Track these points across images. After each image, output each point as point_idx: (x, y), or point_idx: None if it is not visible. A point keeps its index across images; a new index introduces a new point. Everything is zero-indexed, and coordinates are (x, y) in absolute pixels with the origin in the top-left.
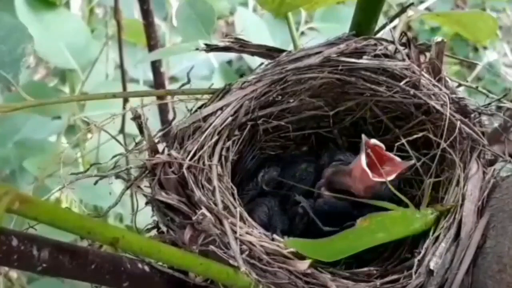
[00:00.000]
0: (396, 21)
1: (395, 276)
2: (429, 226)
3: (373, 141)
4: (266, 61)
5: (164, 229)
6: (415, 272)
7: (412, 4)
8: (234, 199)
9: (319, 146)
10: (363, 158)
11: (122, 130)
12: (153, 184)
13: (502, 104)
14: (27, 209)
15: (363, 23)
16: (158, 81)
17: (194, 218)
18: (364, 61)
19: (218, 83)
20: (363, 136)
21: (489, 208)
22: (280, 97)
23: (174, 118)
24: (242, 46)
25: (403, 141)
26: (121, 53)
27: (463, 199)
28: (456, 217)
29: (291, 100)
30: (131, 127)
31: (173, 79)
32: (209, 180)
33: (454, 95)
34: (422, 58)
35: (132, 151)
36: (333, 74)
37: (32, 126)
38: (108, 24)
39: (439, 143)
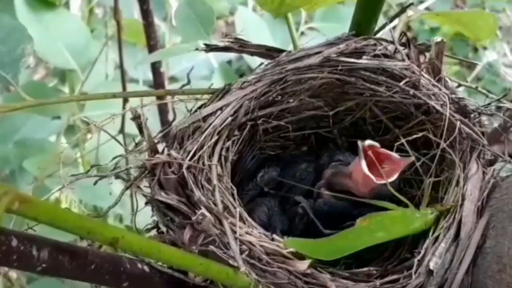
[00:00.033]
0: (395, 21)
1: (395, 276)
2: (428, 225)
3: (368, 142)
4: (266, 61)
5: (163, 229)
6: (415, 272)
7: (412, 4)
8: (234, 199)
9: (319, 146)
10: (363, 164)
11: (122, 130)
12: (152, 184)
13: (501, 104)
14: (26, 209)
15: (363, 23)
16: (157, 81)
17: (193, 218)
18: (364, 61)
19: (218, 83)
20: (359, 142)
21: (488, 208)
22: (280, 97)
23: (174, 118)
24: (241, 46)
25: (403, 141)
26: (120, 53)
27: (463, 199)
28: (456, 217)
29: (291, 100)
30: (131, 127)
31: (172, 79)
32: (209, 180)
33: (453, 95)
34: (421, 58)
35: (132, 151)
36: (333, 74)
37: (31, 126)
38: (107, 24)
39: (438, 143)
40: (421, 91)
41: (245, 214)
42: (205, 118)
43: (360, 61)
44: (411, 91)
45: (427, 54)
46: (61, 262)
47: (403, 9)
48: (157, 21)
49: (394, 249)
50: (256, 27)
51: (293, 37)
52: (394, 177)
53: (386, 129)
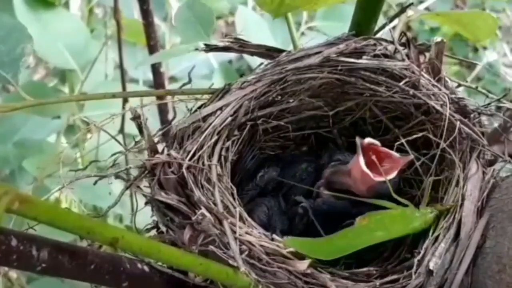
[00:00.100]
0: (395, 21)
1: (394, 276)
2: (428, 225)
3: (367, 140)
4: (265, 61)
5: (163, 229)
6: (415, 272)
7: (411, 4)
8: (234, 199)
9: (319, 146)
10: (361, 160)
11: (121, 130)
12: (152, 184)
13: (501, 104)
14: (26, 209)
15: (363, 23)
16: (157, 81)
17: (193, 218)
18: (364, 61)
19: (218, 82)
20: (357, 138)
21: (488, 208)
22: (279, 97)
23: (174, 118)
24: (241, 46)
25: (403, 141)
26: (120, 53)
27: (462, 199)
28: (456, 217)
29: (291, 100)
30: (131, 127)
31: (172, 79)
32: (209, 180)
33: (453, 95)
34: (421, 58)
35: (131, 149)
36: (333, 74)
37: (31, 126)
38: (107, 24)
39: (438, 143)
40: (421, 91)
41: (245, 214)
42: (205, 118)
43: (360, 61)
44: (411, 91)
45: (427, 54)
46: (61, 262)
47: (403, 9)
48: (157, 21)
49: (394, 249)
50: (256, 27)
51: (293, 37)
52: (392, 175)
53: (386, 129)
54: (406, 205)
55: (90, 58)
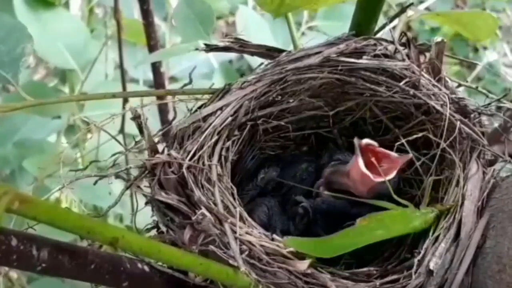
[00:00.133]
0: (396, 21)
1: (394, 276)
2: (428, 224)
3: (365, 141)
4: (266, 61)
5: (163, 229)
6: (415, 272)
7: (412, 4)
8: (234, 199)
9: (319, 146)
10: (360, 161)
11: (122, 130)
12: (152, 184)
13: (502, 104)
14: (26, 209)
15: (363, 23)
16: (158, 81)
17: (193, 218)
18: (364, 61)
19: (218, 82)
20: (356, 140)
21: (488, 208)
22: (280, 97)
23: (174, 118)
24: (242, 46)
25: (403, 141)
26: (120, 53)
27: (463, 199)
28: (456, 217)
29: (291, 100)
30: (131, 127)
31: (173, 79)
32: (209, 180)
33: (454, 95)
34: (422, 58)
35: (131, 149)
36: (333, 74)
37: (31, 126)
38: (107, 24)
39: (439, 143)
40: (421, 91)
41: (245, 214)
42: (205, 118)
43: (360, 61)
44: (411, 91)
45: (427, 54)
46: (61, 262)
47: (403, 9)
48: (157, 21)
49: (394, 249)
50: (257, 27)
51: (293, 37)
52: (392, 175)
53: (386, 129)
54: (406, 206)
55: (90, 58)
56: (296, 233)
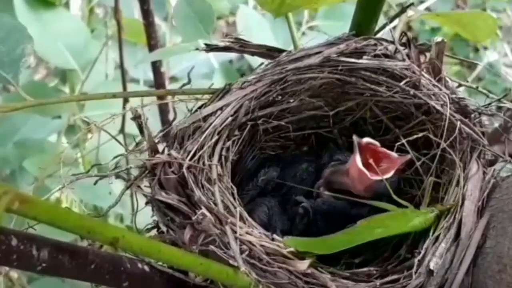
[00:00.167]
0: (396, 21)
1: (395, 276)
2: (429, 223)
3: (366, 139)
4: (266, 61)
5: (164, 229)
6: (415, 272)
7: (412, 4)
8: (234, 199)
9: (319, 146)
10: (358, 159)
11: (122, 130)
12: (153, 184)
13: (502, 104)
14: (26, 208)
15: (363, 23)
16: (158, 81)
17: (194, 218)
18: (364, 61)
19: (219, 82)
20: (355, 137)
21: (489, 208)
22: (280, 97)
23: (174, 118)
24: (242, 46)
25: (403, 141)
26: (121, 53)
27: (463, 199)
28: (456, 217)
29: (291, 100)
30: (131, 127)
31: (173, 79)
32: (209, 180)
33: (454, 95)
34: (422, 58)
35: (132, 151)
36: (333, 74)
37: (32, 126)
38: (108, 24)
39: (439, 143)
40: (421, 91)
41: (245, 214)
42: (205, 118)
43: (360, 61)
44: (412, 91)
45: (428, 54)
46: (61, 262)
47: (403, 9)
48: (157, 21)
49: (394, 249)
50: (257, 27)
51: (294, 37)
52: (389, 174)
53: (387, 129)
54: (406, 206)
55: (91, 58)
56: (296, 233)
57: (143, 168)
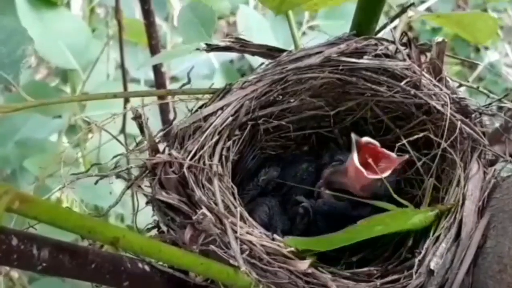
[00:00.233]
0: (396, 21)
1: (395, 276)
2: (429, 222)
3: (366, 139)
4: (266, 61)
5: (164, 228)
6: (416, 272)
7: (412, 4)
8: (235, 198)
9: (320, 146)
10: (355, 157)
11: (123, 130)
12: (153, 183)
13: (503, 104)
14: (27, 208)
15: (364, 23)
16: (159, 81)
17: (194, 217)
18: (365, 61)
19: (219, 82)
20: (353, 135)
21: (489, 208)
22: (280, 97)
23: (174, 118)
24: (242, 46)
25: (404, 141)
26: (122, 53)
27: (463, 199)
28: (457, 217)
29: (292, 100)
30: (132, 127)
31: (174, 79)
32: (210, 180)
33: (455, 95)
34: (423, 58)
35: (132, 151)
36: (334, 74)
37: (32, 125)
38: (109, 24)
39: (439, 143)
40: (422, 91)
41: (245, 214)
42: (206, 118)
43: (361, 61)
44: (412, 91)
45: (428, 54)
46: (62, 262)
47: (403, 10)
48: (158, 21)
49: (394, 249)
50: (258, 27)
51: (294, 36)
52: (386, 174)
53: (387, 129)
54: (406, 206)
55: (92, 58)
56: (296, 233)
57: (143, 168)
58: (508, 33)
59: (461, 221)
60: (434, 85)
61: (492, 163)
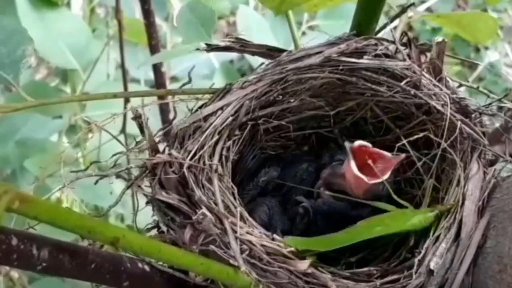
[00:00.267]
0: (397, 21)
1: (395, 276)
2: (428, 222)
3: (358, 143)
4: (266, 61)
5: (164, 228)
6: (416, 272)
7: (412, 4)
8: (235, 198)
9: (320, 146)
10: (352, 165)
11: (123, 130)
12: (153, 183)
13: (503, 104)
14: (27, 208)
15: (364, 23)
16: (159, 81)
17: (194, 217)
18: (365, 61)
19: (219, 82)
20: (346, 143)
21: (489, 208)
22: (280, 96)
23: (175, 118)
24: (242, 46)
25: (404, 141)
26: (122, 53)
27: (463, 199)
28: (457, 217)
29: (292, 100)
30: (132, 127)
31: (174, 79)
32: (210, 180)
33: (455, 95)
34: (423, 58)
35: (132, 150)
36: (334, 74)
37: (33, 125)
38: (109, 24)
39: (439, 143)
40: (422, 91)
41: (245, 214)
42: (206, 118)
43: (361, 61)
44: (412, 91)
45: (428, 54)
46: (61, 261)
47: (403, 10)
48: (158, 20)
49: (394, 249)
50: (258, 27)
51: (294, 36)
52: (386, 176)
53: (387, 129)
54: (406, 207)
55: (92, 58)
56: (296, 233)
57: (143, 168)
58: (508, 33)
59: (461, 221)
60: (434, 85)
61: (492, 163)
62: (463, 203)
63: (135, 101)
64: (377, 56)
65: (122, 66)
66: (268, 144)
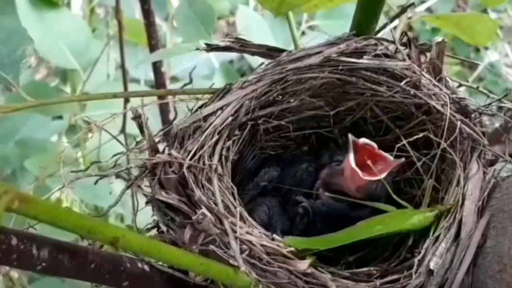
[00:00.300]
0: (396, 21)
1: (395, 276)
2: (428, 222)
3: (363, 140)
4: (266, 61)
5: (164, 228)
6: (415, 272)
7: (412, 4)
8: (234, 198)
9: (320, 146)
10: (351, 157)
11: (123, 130)
12: (153, 183)
13: (503, 104)
14: (27, 208)
15: (364, 23)
16: (159, 81)
17: (194, 217)
18: (365, 61)
19: (219, 82)
20: (350, 136)
21: (489, 208)
22: (280, 96)
23: (175, 118)
24: (242, 46)
25: (404, 141)
26: (122, 53)
27: (463, 199)
28: (456, 217)
29: (292, 100)
30: (132, 127)
31: (174, 79)
32: (209, 180)
33: (454, 95)
34: (422, 58)
35: (132, 151)
36: (334, 74)
37: (33, 125)
38: (109, 24)
39: (439, 143)
40: (422, 91)
41: (245, 214)
42: (205, 118)
43: (361, 61)
44: (412, 91)
45: (428, 54)
46: (61, 261)
47: (403, 10)
48: (158, 21)
49: (394, 249)
50: (257, 27)
51: (294, 36)
52: (381, 176)
53: (387, 129)
54: (406, 207)
55: (92, 58)
56: (296, 233)
57: (143, 168)
58: (508, 33)
59: (460, 221)
60: (434, 85)
61: (492, 163)
62: (462, 203)
63: (135, 101)
64: (377, 56)
65: (122, 66)
66: (268, 144)
